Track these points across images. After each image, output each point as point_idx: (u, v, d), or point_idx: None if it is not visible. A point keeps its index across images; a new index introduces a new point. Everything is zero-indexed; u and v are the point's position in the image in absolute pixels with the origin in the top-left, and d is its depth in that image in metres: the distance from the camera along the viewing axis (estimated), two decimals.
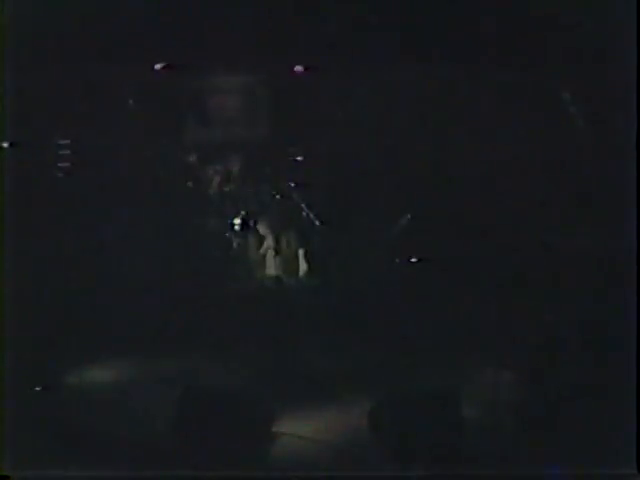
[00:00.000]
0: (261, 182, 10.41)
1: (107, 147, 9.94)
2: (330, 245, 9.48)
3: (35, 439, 6.95)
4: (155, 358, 8.74)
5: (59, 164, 10.09)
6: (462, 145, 9.77)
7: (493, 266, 9.10)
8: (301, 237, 9.48)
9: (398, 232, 9.31)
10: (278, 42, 9.31)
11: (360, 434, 7.50)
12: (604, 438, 7.03)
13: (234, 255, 9.72)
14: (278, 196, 10.19)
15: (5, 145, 8.42)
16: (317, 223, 9.86)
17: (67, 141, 10.06)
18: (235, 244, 9.53)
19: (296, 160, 10.61)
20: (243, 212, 9.29)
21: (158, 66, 9.54)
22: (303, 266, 9.26)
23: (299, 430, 7.55)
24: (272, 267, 9.45)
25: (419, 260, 9.02)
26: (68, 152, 10.09)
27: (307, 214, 10.12)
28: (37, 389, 8.23)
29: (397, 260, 9.19)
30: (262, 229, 9.47)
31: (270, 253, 9.32)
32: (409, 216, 9.37)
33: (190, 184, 9.95)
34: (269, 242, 9.41)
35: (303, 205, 10.19)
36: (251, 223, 9.37)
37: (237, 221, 9.38)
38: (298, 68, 9.84)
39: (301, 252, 9.32)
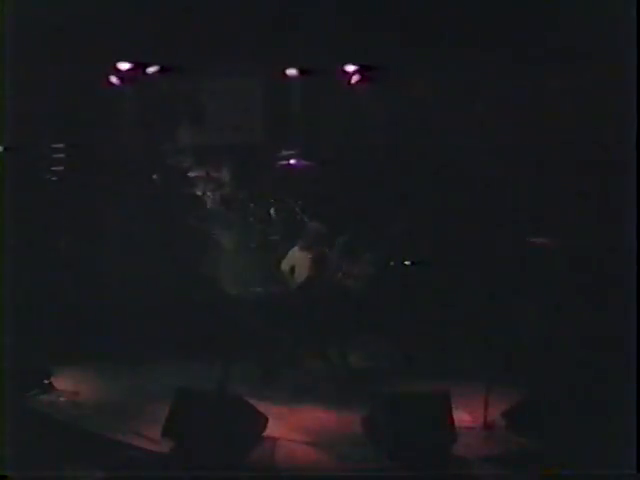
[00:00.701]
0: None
1: (101, 150, 10.04)
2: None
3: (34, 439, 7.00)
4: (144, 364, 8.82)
5: (52, 168, 10.18)
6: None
7: (493, 267, 9.20)
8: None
9: (393, 238, 9.30)
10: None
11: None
12: (604, 438, 7.00)
13: None
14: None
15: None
16: (306, 221, 9.86)
17: (61, 145, 10.24)
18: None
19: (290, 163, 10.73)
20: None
21: (152, 69, 9.58)
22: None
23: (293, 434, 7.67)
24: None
25: (413, 263, 9.10)
26: (62, 155, 10.21)
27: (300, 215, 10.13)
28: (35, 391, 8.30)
29: (392, 263, 9.35)
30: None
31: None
32: (404, 225, 9.37)
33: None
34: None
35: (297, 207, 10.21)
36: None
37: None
38: (291, 72, 10.01)
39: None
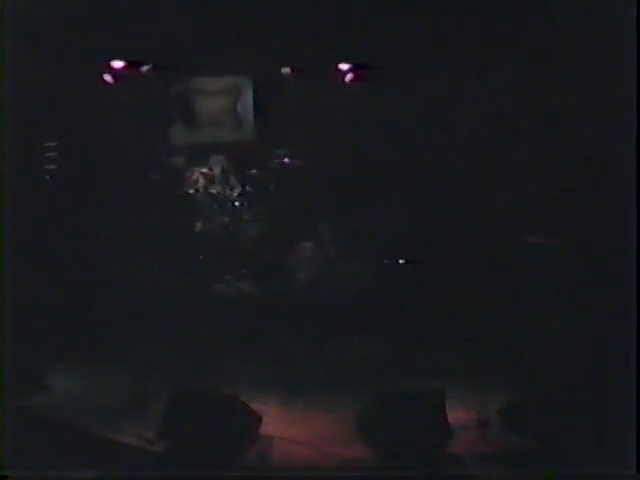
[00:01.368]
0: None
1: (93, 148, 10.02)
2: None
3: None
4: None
5: (46, 166, 10.15)
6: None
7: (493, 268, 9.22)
8: None
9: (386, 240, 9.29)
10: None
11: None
12: (604, 438, 6.99)
13: None
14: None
15: None
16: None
17: (53, 143, 10.16)
18: None
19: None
20: None
21: (145, 68, 9.57)
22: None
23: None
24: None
25: (407, 261, 9.13)
26: (54, 154, 10.17)
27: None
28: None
29: (385, 261, 9.35)
30: None
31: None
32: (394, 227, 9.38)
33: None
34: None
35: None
36: None
37: None
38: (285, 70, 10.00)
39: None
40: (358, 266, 9.43)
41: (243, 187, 10.37)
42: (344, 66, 9.56)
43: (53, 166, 9.98)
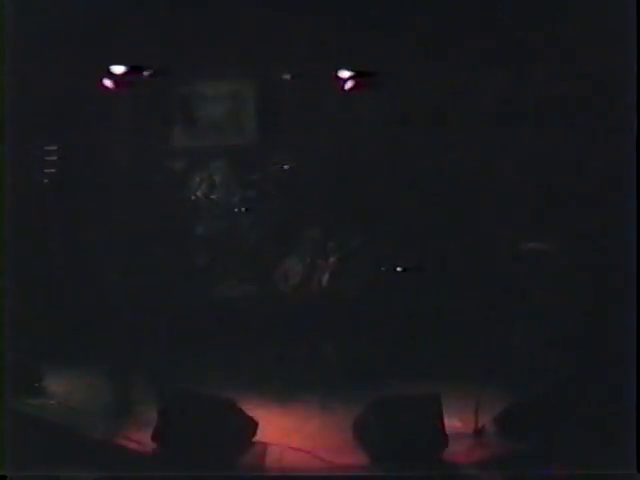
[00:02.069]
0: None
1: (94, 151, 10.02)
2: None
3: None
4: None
5: (45, 170, 10.15)
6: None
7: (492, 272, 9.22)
8: None
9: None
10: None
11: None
12: (604, 438, 7.04)
13: None
14: None
15: None
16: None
17: (53, 147, 10.09)
18: None
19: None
20: None
21: (145, 73, 9.57)
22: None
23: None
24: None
25: (405, 269, 9.08)
26: (53, 158, 10.11)
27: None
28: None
29: (382, 268, 9.30)
30: None
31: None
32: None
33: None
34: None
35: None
36: None
37: None
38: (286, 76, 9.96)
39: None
40: (356, 272, 9.42)
41: (243, 192, 10.34)
42: (344, 73, 9.49)
43: (52, 170, 9.96)
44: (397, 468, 7.14)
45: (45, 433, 7.49)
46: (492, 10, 9.14)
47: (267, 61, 9.59)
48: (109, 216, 9.24)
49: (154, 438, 7.34)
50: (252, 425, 7.62)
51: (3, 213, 7.51)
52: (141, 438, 7.46)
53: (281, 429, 7.91)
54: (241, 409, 7.63)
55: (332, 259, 9.41)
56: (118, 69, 9.29)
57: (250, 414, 7.65)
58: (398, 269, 9.06)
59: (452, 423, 7.76)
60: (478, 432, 7.79)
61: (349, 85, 9.53)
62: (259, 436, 7.61)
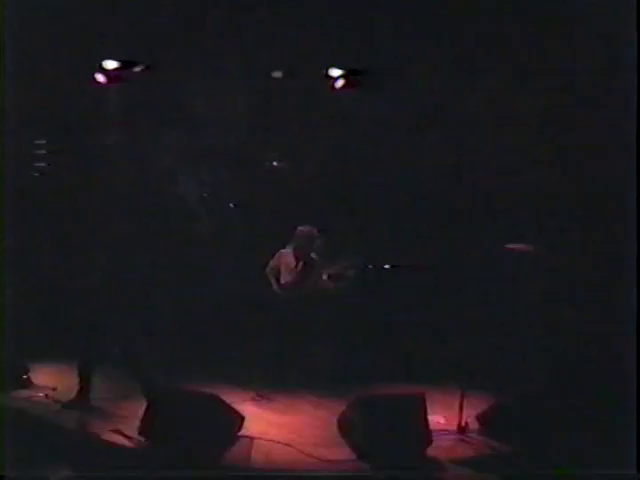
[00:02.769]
0: None
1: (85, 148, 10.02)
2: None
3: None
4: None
5: (36, 164, 10.17)
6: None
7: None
8: None
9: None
10: None
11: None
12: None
13: None
14: None
15: None
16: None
17: (43, 141, 10.16)
18: None
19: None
20: None
21: (137, 69, 9.59)
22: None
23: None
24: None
25: (393, 266, 9.19)
26: (44, 152, 10.16)
27: None
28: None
29: (370, 266, 9.40)
30: None
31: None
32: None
33: None
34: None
35: None
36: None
37: None
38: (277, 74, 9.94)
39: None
40: (344, 270, 9.47)
41: (234, 190, 10.37)
42: (335, 72, 9.60)
43: (42, 164, 10.05)
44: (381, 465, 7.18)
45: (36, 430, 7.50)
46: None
47: (259, 59, 9.63)
48: (100, 212, 9.31)
49: (141, 432, 7.37)
50: (238, 420, 7.64)
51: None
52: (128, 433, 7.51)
53: (267, 424, 7.97)
54: (228, 404, 7.62)
55: (321, 257, 9.43)
56: (110, 64, 9.31)
57: (236, 409, 7.67)
58: (386, 267, 9.05)
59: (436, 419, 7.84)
60: (462, 430, 7.83)
61: (339, 84, 9.65)
62: (245, 431, 7.64)
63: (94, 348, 8.31)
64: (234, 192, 10.49)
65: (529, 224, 9.32)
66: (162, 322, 8.94)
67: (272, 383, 8.82)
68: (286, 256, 9.43)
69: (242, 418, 7.65)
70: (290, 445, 7.47)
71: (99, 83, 9.45)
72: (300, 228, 9.39)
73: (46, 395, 8.33)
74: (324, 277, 9.35)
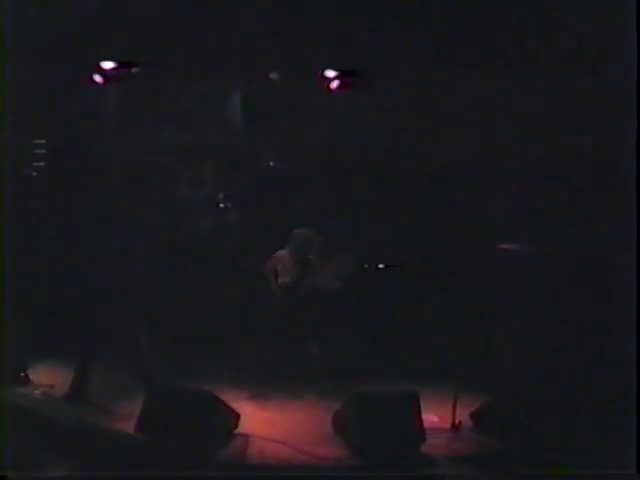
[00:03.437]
0: None
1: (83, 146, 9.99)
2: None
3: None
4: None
5: (34, 163, 10.15)
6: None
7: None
8: None
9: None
10: None
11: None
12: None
13: None
14: None
15: None
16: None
17: (41, 141, 10.10)
18: None
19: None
20: None
21: (134, 69, 9.55)
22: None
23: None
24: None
25: (387, 266, 9.04)
26: (42, 152, 10.12)
27: None
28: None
29: (365, 266, 9.31)
30: None
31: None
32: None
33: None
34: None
35: None
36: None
37: None
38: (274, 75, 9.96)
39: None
40: (339, 269, 9.46)
41: (229, 189, 10.40)
42: (330, 73, 9.59)
43: (41, 163, 10.06)
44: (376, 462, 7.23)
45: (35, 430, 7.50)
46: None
47: (255, 60, 9.58)
48: (95, 212, 9.03)
49: (137, 429, 7.40)
50: (234, 418, 7.70)
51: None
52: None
53: (262, 422, 8.00)
54: (224, 402, 7.69)
55: (318, 256, 9.41)
56: (107, 65, 9.31)
57: (232, 407, 7.73)
58: (380, 266, 9.08)
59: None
60: (455, 428, 7.87)
61: (335, 85, 9.63)
62: (241, 428, 7.69)
63: (91, 345, 8.36)
64: (230, 192, 10.50)
65: (524, 223, 9.28)
66: (159, 321, 8.87)
67: (268, 382, 8.82)
68: (284, 257, 9.43)
69: (238, 416, 7.70)
70: (285, 443, 7.49)
71: (96, 83, 9.43)
72: (296, 230, 9.39)
73: (44, 392, 8.36)
74: (321, 277, 9.36)
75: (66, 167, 10.01)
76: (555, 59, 9.05)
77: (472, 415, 7.97)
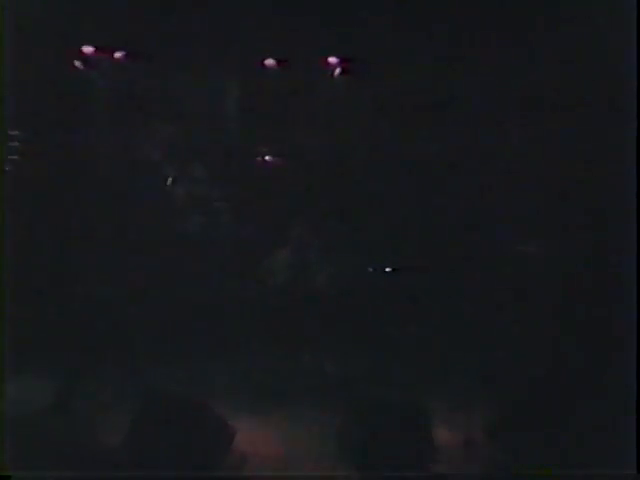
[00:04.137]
0: None
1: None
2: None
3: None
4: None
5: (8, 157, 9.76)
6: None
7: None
8: None
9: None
10: None
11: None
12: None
13: None
14: None
15: None
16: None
17: (16, 132, 9.65)
18: None
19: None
20: None
21: (119, 55, 9.32)
22: None
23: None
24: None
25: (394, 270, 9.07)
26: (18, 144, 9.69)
27: None
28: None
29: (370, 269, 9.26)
30: None
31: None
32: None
33: None
34: None
35: None
36: None
37: None
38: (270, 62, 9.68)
39: None
40: (341, 272, 9.38)
41: (224, 186, 10.19)
42: (331, 59, 9.51)
43: (15, 157, 9.67)
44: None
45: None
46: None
47: (250, 48, 9.44)
48: (81, 208, 9.12)
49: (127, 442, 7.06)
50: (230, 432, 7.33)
51: None
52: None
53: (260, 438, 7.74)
54: (218, 415, 7.38)
55: (319, 258, 9.38)
56: (88, 49, 9.18)
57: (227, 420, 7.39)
58: (387, 270, 9.01)
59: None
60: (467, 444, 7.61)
61: (337, 72, 9.55)
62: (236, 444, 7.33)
63: (86, 348, 8.26)
64: (225, 189, 10.28)
65: (532, 225, 9.29)
66: (152, 328, 8.81)
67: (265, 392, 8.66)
68: (282, 257, 9.40)
69: (234, 431, 7.31)
70: (284, 460, 7.38)
71: (77, 69, 9.24)
72: (296, 228, 9.40)
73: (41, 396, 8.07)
74: (321, 278, 9.32)
75: (44, 162, 9.73)
76: (555, 59, 9.08)
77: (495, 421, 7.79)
